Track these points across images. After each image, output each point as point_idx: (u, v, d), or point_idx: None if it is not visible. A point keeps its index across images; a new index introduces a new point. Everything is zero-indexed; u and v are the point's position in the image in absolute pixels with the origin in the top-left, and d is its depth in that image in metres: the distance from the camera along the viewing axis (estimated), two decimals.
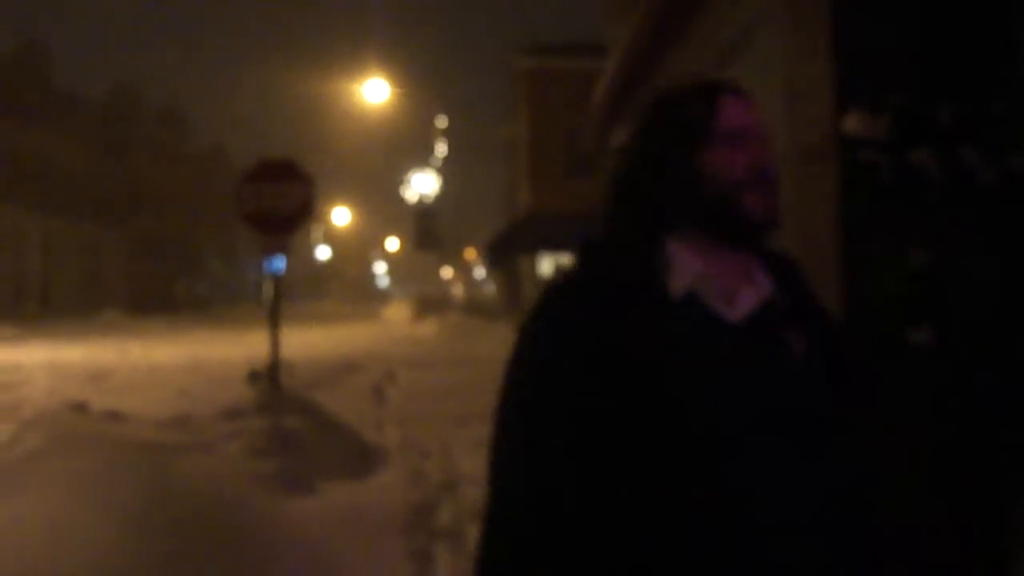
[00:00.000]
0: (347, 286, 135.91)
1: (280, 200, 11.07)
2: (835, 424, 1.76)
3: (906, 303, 4.21)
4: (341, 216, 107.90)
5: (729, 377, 1.67)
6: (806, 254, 4.71)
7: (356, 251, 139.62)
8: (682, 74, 8.66)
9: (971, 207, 4.11)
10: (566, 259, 38.33)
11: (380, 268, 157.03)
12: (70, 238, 55.46)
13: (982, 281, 4.19)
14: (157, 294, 65.70)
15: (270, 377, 11.00)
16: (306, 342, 29.09)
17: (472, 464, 9.64)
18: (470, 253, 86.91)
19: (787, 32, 5.15)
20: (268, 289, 11.27)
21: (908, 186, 4.11)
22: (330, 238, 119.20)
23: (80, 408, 8.37)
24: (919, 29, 4.37)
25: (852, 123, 4.17)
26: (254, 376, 11.17)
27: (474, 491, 8.42)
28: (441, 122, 53.22)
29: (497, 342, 29.98)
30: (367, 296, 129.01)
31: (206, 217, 72.97)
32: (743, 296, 1.77)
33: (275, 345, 11.04)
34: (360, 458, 9.55)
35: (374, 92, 42.74)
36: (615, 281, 1.77)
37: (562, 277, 1.91)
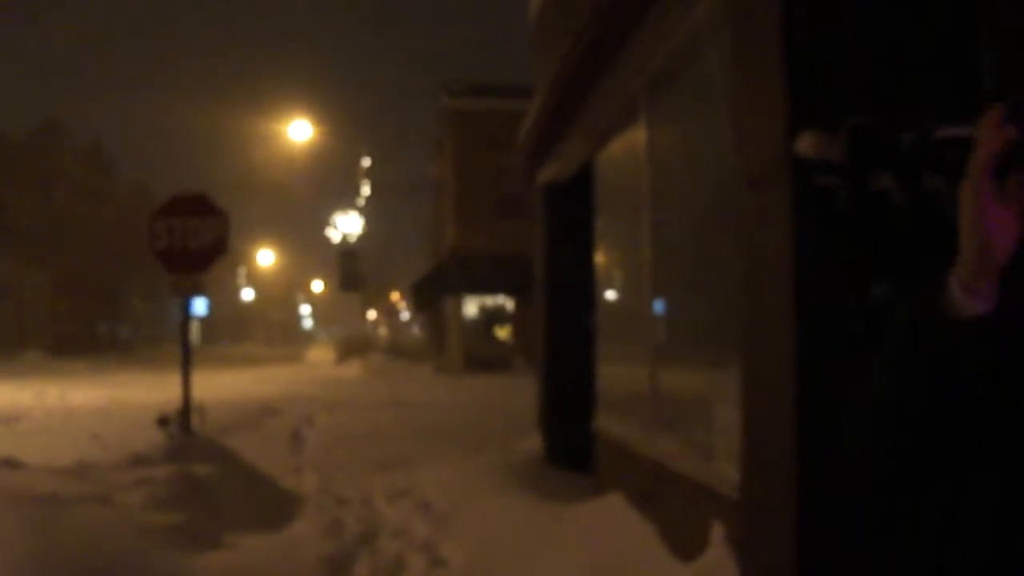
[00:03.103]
0: (272, 328, 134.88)
1: (193, 236, 10.61)
2: None
3: (866, 340, 3.83)
4: (265, 258, 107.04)
5: None
6: (757, 288, 4.33)
7: (281, 293, 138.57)
8: (611, 105, 8.33)
9: (937, 236, 3.75)
10: (492, 301, 38.08)
11: (305, 310, 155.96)
12: None
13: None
14: (80, 335, 64.63)
15: (180, 422, 10.45)
16: (225, 385, 28.47)
17: (392, 513, 9.19)
18: (394, 295, 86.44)
19: (730, 50, 4.80)
20: (191, 331, 10.77)
21: (868, 213, 3.74)
22: (254, 280, 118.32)
23: None
24: (876, 45, 4.04)
25: (805, 144, 3.79)
26: (163, 421, 10.60)
27: (393, 544, 7.96)
28: (366, 162, 52.75)
29: (421, 385, 29.53)
30: (292, 338, 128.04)
31: (130, 257, 71.86)
32: None
33: (187, 388, 10.55)
34: (274, 507, 9.05)
35: (298, 132, 42.16)
36: None
37: None
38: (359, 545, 7.90)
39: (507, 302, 38.75)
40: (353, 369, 40.50)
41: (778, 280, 4.05)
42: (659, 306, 7.18)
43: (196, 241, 10.62)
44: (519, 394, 18.57)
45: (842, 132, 3.59)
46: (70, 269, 63.98)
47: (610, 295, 9.53)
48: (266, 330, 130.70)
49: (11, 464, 8.03)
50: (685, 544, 5.61)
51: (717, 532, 5.03)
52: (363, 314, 56.44)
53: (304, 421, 17.62)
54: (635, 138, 7.71)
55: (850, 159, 3.60)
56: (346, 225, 55.70)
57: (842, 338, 3.85)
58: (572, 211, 10.79)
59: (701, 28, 5.76)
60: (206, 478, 8.70)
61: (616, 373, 8.94)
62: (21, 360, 47.44)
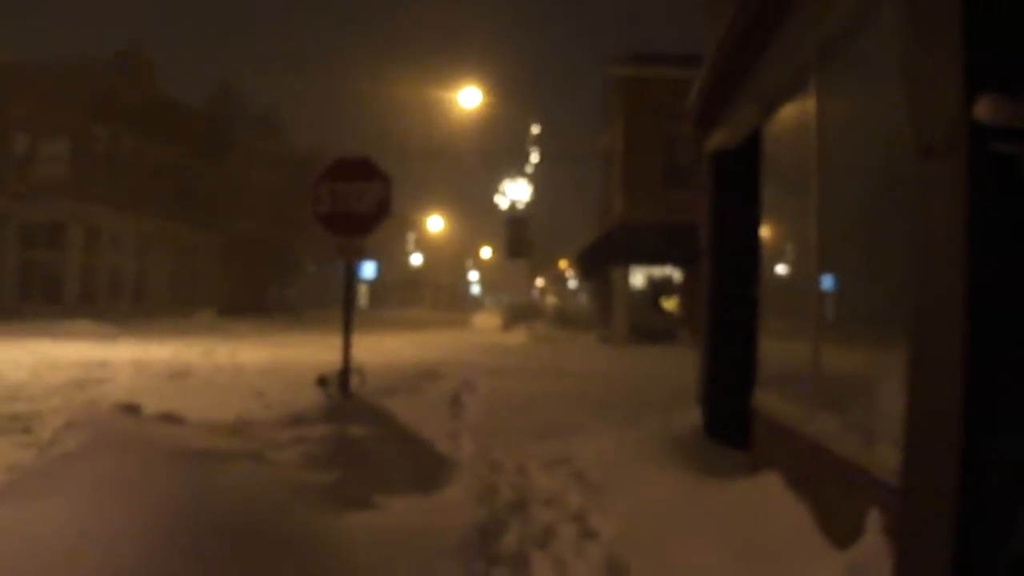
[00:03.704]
0: (439, 293, 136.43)
1: (356, 200, 10.67)
2: None
3: None
4: (435, 223, 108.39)
5: None
6: (928, 264, 4.07)
7: (449, 259, 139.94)
8: (779, 71, 8.04)
9: None
10: (659, 271, 37.78)
11: (473, 276, 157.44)
12: (166, 239, 56.14)
13: None
14: (251, 296, 66.26)
15: (339, 383, 10.55)
16: (389, 348, 28.98)
17: (546, 482, 9.13)
18: (562, 263, 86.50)
19: (904, 9, 4.52)
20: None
21: None
22: (423, 245, 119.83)
23: (131, 409, 7.94)
24: None
25: (984, 109, 3.53)
26: (322, 381, 10.70)
27: (545, 513, 7.89)
28: (535, 130, 52.55)
29: (585, 354, 29.46)
30: (459, 304, 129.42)
31: (300, 221, 73.44)
32: None
33: (347, 350, 10.63)
34: (428, 471, 9.05)
35: (468, 99, 42.33)
36: None
37: None
38: (511, 513, 7.85)
39: (674, 273, 38.40)
40: (518, 336, 40.61)
41: (951, 255, 3.79)
42: (825, 281, 6.90)
43: (359, 205, 10.66)
44: (682, 366, 18.33)
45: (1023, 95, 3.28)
46: (242, 233, 65.64)
47: (775, 268, 9.24)
48: (434, 295, 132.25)
49: (171, 419, 8.17)
50: (840, 529, 5.38)
51: (873, 519, 4.79)
52: (530, 281, 56.57)
53: (465, 386, 17.66)
54: (804, 106, 7.40)
55: None
56: (514, 192, 55.91)
57: (1020, 319, 3.59)
58: (739, 180, 10.51)
59: None
60: (361, 439, 8.75)
61: (778, 348, 8.66)
62: (192, 319, 49.00)
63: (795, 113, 7.87)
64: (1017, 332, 3.60)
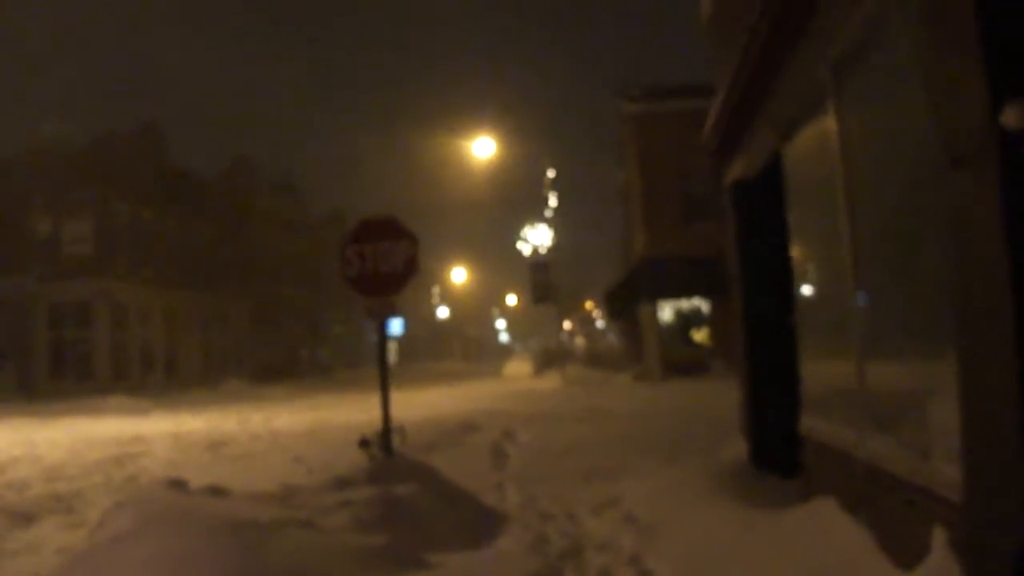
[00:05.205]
0: (468, 344, 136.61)
1: (384, 259, 10.72)
2: None
3: None
4: (458, 275, 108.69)
5: None
6: (967, 281, 4.03)
7: (475, 309, 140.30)
8: (795, 95, 8.03)
9: None
10: (686, 304, 37.70)
11: (500, 324, 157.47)
12: (192, 310, 56.53)
13: None
14: (280, 361, 66.58)
15: (381, 443, 10.54)
16: (425, 403, 28.94)
17: (597, 527, 9.05)
18: (588, 304, 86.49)
19: (920, 23, 4.50)
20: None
21: None
22: (449, 297, 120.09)
23: (177, 485, 7.96)
24: None
25: (1012, 117, 3.51)
26: (364, 443, 10.70)
27: (600, 558, 7.81)
28: (551, 174, 52.60)
29: (620, 394, 29.35)
30: (488, 353, 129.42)
31: (325, 282, 73.83)
32: None
33: (386, 409, 10.62)
34: (477, 524, 9.01)
35: (482, 149, 42.48)
36: None
37: None
38: (565, 560, 7.77)
39: (702, 304, 38.31)
40: (551, 381, 40.58)
41: (990, 263, 3.75)
42: (863, 299, 6.84)
43: (387, 264, 10.72)
44: (720, 398, 18.24)
45: None
46: (267, 298, 66.08)
47: (809, 291, 9.18)
48: (462, 346, 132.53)
49: (217, 492, 8.18)
50: (904, 550, 5.29)
51: (938, 537, 4.71)
52: (558, 325, 56.41)
53: (504, 436, 17.60)
54: (824, 127, 7.38)
55: None
56: (536, 238, 55.81)
57: None
58: (763, 207, 10.47)
59: (883, 9, 5.47)
60: (408, 498, 8.72)
61: (821, 371, 8.58)
62: (223, 388, 49.17)
63: (815, 134, 7.85)
64: None
